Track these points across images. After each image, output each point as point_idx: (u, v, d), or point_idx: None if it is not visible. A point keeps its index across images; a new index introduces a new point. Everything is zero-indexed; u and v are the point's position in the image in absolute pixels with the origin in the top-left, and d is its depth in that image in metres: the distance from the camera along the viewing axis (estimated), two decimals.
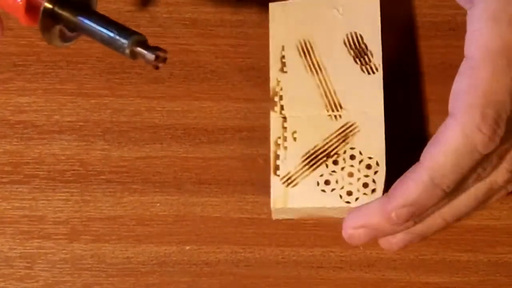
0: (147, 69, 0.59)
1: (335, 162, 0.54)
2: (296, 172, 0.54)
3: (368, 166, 0.53)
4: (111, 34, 0.44)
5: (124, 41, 0.44)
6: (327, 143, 0.54)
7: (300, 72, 0.56)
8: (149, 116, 0.59)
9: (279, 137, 0.55)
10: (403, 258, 0.57)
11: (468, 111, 0.48)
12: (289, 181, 0.54)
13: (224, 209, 0.58)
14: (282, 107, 0.55)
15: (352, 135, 0.54)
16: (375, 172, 0.53)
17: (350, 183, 0.53)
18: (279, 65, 0.56)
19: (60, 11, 0.45)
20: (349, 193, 0.53)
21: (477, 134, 0.47)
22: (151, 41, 0.59)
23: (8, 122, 0.59)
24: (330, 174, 0.54)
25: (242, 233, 0.57)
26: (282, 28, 0.57)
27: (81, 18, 0.45)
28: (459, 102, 0.48)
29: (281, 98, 0.55)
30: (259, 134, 0.58)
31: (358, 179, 0.53)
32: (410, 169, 0.50)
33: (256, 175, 0.58)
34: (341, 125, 0.54)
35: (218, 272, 0.57)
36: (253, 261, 0.57)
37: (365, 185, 0.53)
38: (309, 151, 0.54)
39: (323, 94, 0.55)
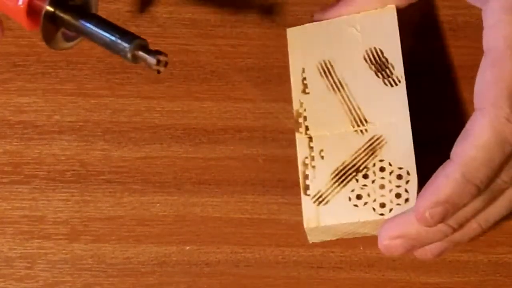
0: (147, 69, 0.59)
1: (365, 176, 0.53)
2: (326, 190, 0.53)
3: (399, 176, 0.52)
4: (113, 38, 0.44)
5: (125, 45, 0.44)
6: (355, 158, 0.53)
7: (322, 92, 0.55)
8: (149, 116, 0.59)
9: (307, 157, 0.54)
10: (403, 259, 0.57)
11: (495, 103, 0.47)
12: (320, 199, 0.53)
13: (224, 209, 0.58)
14: (307, 128, 0.54)
15: (379, 147, 0.53)
16: (407, 182, 0.52)
17: (382, 195, 0.52)
18: (301, 87, 0.55)
19: (61, 15, 0.45)
20: (382, 205, 0.52)
21: (506, 126, 0.47)
22: (151, 41, 0.60)
23: (8, 122, 0.59)
24: (361, 188, 0.53)
25: (242, 233, 0.57)
26: (301, 51, 0.56)
27: (82, 22, 0.45)
28: (485, 95, 0.48)
29: (305, 119, 0.54)
30: (259, 134, 0.58)
31: (390, 190, 0.52)
32: (441, 167, 0.49)
33: (256, 175, 0.58)
34: (368, 139, 0.53)
35: (218, 272, 0.57)
36: (253, 261, 0.57)
37: (398, 195, 0.52)
38: (337, 168, 0.53)
39: (347, 110, 0.54)
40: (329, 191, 0.53)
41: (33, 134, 0.59)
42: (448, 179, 0.48)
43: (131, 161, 0.58)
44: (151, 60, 0.44)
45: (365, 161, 0.53)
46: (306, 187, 0.53)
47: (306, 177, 0.54)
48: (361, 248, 0.57)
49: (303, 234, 0.57)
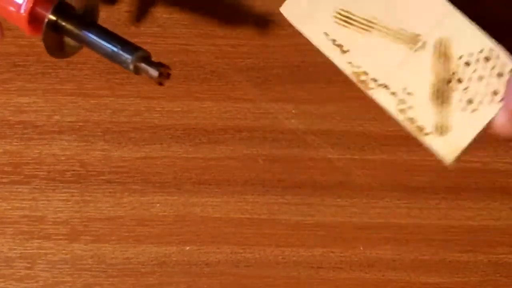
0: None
1: (459, 80, 0.51)
2: (440, 118, 0.51)
3: (487, 59, 0.51)
4: (115, 49, 0.44)
5: (127, 56, 0.44)
6: (437, 73, 0.51)
7: (359, 40, 0.52)
8: (149, 116, 0.59)
9: (397, 104, 0.51)
10: (403, 259, 0.57)
11: None
12: (441, 130, 0.51)
13: (224, 209, 0.58)
14: (374, 80, 0.52)
15: (448, 49, 0.51)
16: (497, 57, 0.50)
17: (488, 84, 0.50)
18: (337, 50, 0.52)
19: (63, 24, 0.45)
20: (495, 93, 0.50)
21: None
22: (151, 41, 0.60)
23: (8, 122, 0.59)
24: (465, 92, 0.51)
25: (242, 234, 0.57)
26: (310, 20, 0.53)
27: (85, 32, 0.45)
28: None
29: (365, 73, 0.52)
30: (259, 134, 0.58)
31: (490, 75, 0.51)
32: None
33: (256, 175, 0.58)
34: (432, 49, 0.51)
35: (218, 272, 0.57)
36: (253, 262, 0.57)
37: (500, 74, 0.50)
38: (430, 93, 0.51)
39: (395, 38, 0.52)
40: (442, 116, 0.51)
41: (33, 134, 0.59)
42: None
43: (131, 161, 0.58)
44: (153, 72, 0.44)
45: (447, 69, 0.51)
46: (420, 128, 0.51)
47: (412, 120, 0.51)
48: (361, 248, 0.57)
49: (303, 234, 0.57)
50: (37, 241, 0.57)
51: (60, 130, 0.59)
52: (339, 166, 0.57)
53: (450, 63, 0.51)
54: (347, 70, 0.52)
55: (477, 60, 0.51)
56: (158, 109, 0.59)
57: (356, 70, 0.52)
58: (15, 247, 0.57)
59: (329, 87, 0.58)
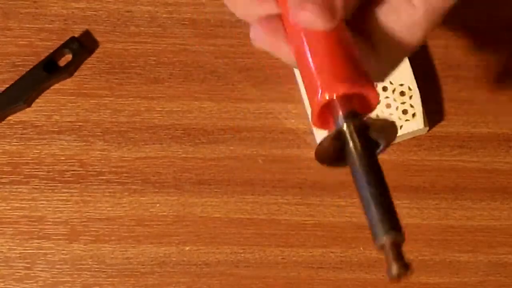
0: (146, 69, 0.59)
1: None
2: None
3: (402, 93, 0.56)
4: (370, 214, 0.36)
5: (378, 231, 0.36)
6: None
7: None
8: (149, 117, 0.59)
9: None
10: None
11: None
12: None
13: (223, 209, 0.58)
14: None
15: None
16: (410, 97, 0.55)
17: (391, 114, 0.56)
18: None
19: (349, 137, 0.37)
20: None
21: None
22: (151, 41, 0.60)
23: (8, 122, 0.59)
24: None
25: (242, 234, 0.57)
26: None
27: (363, 166, 0.36)
28: None
29: None
30: (258, 134, 0.58)
31: (397, 108, 0.55)
32: None
33: (256, 175, 0.58)
34: None
35: (218, 272, 0.57)
36: (253, 262, 0.57)
37: (405, 111, 0.55)
38: None
39: None
40: None
41: (32, 134, 0.59)
42: None
43: (130, 161, 0.58)
44: (393, 268, 0.35)
45: None
46: None
47: None
48: (361, 249, 0.57)
49: (303, 234, 0.57)
50: (36, 241, 0.57)
51: (60, 130, 0.59)
52: None
53: None
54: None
55: (394, 90, 0.56)
56: (158, 109, 0.59)
57: None
58: (15, 247, 0.57)
59: None
